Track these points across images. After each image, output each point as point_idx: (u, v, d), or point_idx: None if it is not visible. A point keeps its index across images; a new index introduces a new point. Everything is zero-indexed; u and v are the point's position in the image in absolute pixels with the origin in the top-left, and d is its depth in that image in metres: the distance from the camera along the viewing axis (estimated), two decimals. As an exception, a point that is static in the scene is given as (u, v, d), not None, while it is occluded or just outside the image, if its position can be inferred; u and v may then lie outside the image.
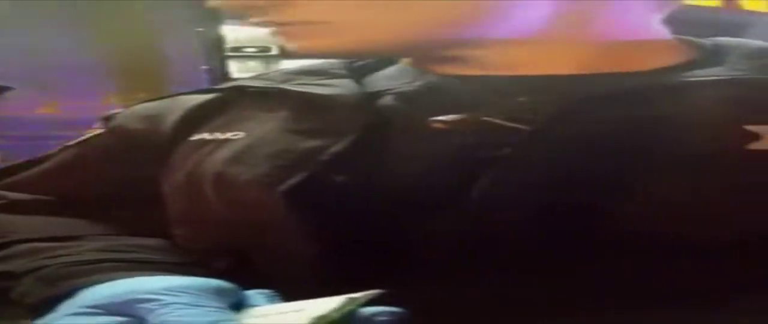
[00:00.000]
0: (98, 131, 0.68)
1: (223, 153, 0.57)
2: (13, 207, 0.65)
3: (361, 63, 0.64)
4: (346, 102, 0.57)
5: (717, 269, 0.46)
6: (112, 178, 0.65)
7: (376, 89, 0.59)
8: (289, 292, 0.46)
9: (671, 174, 0.47)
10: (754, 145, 0.47)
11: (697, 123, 0.50)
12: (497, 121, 0.52)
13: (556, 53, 0.56)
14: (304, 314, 0.41)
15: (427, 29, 0.56)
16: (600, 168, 0.48)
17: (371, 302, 0.43)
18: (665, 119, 0.50)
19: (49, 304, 0.47)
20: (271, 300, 0.47)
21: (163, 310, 0.42)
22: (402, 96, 0.58)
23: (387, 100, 0.58)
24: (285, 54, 0.57)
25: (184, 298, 0.43)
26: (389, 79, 0.61)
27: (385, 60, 0.64)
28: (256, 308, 0.45)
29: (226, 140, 0.58)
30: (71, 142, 0.69)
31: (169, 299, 0.43)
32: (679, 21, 0.61)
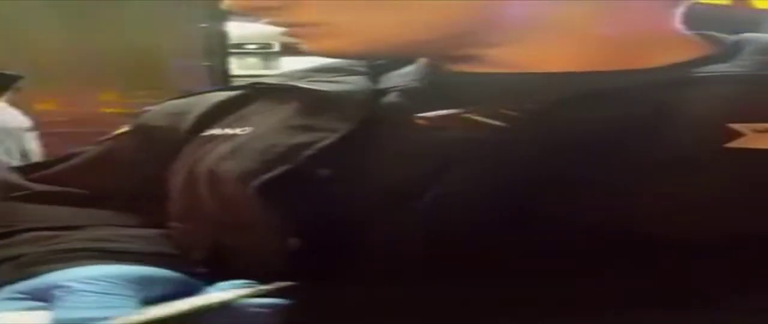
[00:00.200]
0: (127, 128, 0.70)
1: (222, 149, 0.57)
2: (35, 198, 0.66)
3: (381, 61, 0.65)
4: (345, 99, 0.57)
5: (717, 269, 0.46)
6: (132, 172, 0.67)
7: (384, 87, 0.60)
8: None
9: (655, 173, 0.47)
10: (734, 143, 0.47)
11: (679, 121, 0.49)
12: (477, 118, 0.52)
13: (565, 50, 0.56)
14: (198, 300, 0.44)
15: (437, 29, 0.56)
16: (575, 168, 0.48)
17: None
18: (649, 117, 0.50)
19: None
20: (240, 289, 0.48)
21: (68, 297, 0.44)
22: (403, 93, 0.58)
23: (389, 97, 0.58)
24: (286, 52, 0.57)
25: (97, 287, 0.45)
26: (400, 77, 0.61)
27: (403, 59, 0.65)
28: (181, 300, 0.47)
29: (233, 136, 0.59)
30: (104, 138, 0.71)
31: (80, 287, 0.45)
32: (704, 18, 0.60)
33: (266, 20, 0.57)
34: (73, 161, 0.70)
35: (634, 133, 0.49)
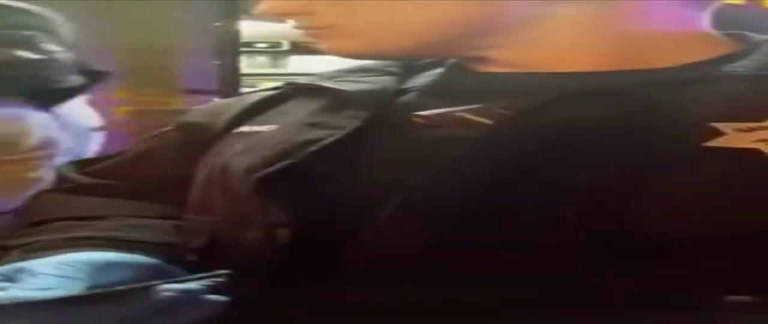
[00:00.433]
0: (171, 126, 0.72)
1: (240, 145, 0.58)
2: (81, 190, 0.69)
3: (415, 62, 0.65)
4: (359, 98, 0.58)
5: (716, 269, 0.47)
6: (174, 168, 0.68)
7: (406, 87, 0.60)
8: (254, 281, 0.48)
9: (646, 173, 0.47)
10: (714, 142, 0.46)
11: (670, 121, 0.50)
12: (469, 116, 0.53)
13: (583, 50, 0.56)
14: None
15: (455, 30, 0.56)
16: (563, 168, 0.48)
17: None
18: (641, 117, 0.50)
19: None
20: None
21: (28, 279, 0.48)
22: (420, 93, 0.59)
23: (405, 97, 0.59)
24: (295, 50, 0.58)
25: (60, 271, 0.48)
26: (425, 77, 0.62)
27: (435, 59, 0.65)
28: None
29: (256, 133, 0.60)
30: (150, 134, 0.74)
31: (43, 270, 0.49)
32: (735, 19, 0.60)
33: (296, 24, 0.58)
34: (122, 157, 0.72)
35: (624, 133, 0.50)
